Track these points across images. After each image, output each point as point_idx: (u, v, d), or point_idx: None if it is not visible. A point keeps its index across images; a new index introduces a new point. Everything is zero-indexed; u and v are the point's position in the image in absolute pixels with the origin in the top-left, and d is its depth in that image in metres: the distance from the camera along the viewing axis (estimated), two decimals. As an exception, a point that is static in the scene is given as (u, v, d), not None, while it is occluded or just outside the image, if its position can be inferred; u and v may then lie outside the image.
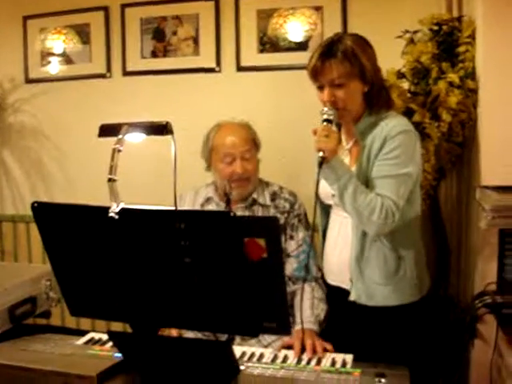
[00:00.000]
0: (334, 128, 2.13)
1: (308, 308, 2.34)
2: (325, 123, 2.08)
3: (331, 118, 2.09)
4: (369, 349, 2.00)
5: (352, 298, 2.22)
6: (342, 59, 2.09)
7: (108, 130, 1.60)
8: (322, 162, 2.02)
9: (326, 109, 2.10)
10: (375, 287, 2.19)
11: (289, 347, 2.09)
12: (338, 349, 2.04)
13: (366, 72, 2.12)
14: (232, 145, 2.50)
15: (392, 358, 1.87)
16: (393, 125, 2.11)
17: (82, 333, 2.21)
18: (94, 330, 2.26)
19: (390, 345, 2.13)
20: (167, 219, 1.49)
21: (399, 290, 2.18)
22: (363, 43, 2.17)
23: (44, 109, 3.78)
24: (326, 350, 2.04)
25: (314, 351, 2.03)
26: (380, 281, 2.18)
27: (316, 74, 2.13)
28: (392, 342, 2.15)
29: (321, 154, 2.02)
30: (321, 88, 2.15)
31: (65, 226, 1.61)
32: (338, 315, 2.35)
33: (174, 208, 1.46)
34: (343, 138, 2.27)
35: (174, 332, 2.25)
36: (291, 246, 2.50)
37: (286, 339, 2.16)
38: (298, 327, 2.19)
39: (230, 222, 1.43)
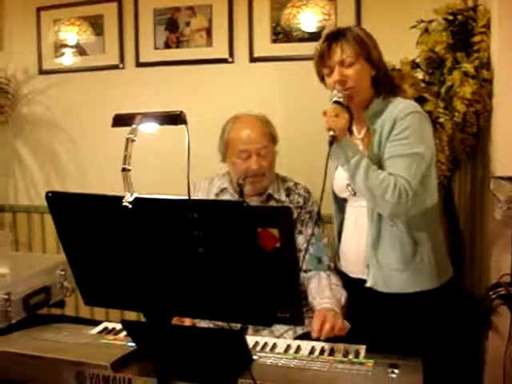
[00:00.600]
0: (345, 110, 2.11)
1: (327, 291, 2.29)
2: (334, 104, 2.08)
3: (341, 100, 2.09)
4: (383, 337, 2.01)
5: (368, 284, 2.22)
6: (351, 40, 2.13)
7: (121, 120, 1.59)
8: (332, 142, 2.02)
9: (335, 91, 2.12)
10: (392, 273, 2.17)
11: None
12: (353, 338, 2.04)
13: (372, 55, 2.15)
14: (248, 140, 2.47)
15: (406, 348, 1.86)
16: (402, 107, 2.12)
17: (96, 323, 2.22)
18: (108, 320, 2.27)
19: (405, 334, 2.13)
20: (180, 209, 1.49)
21: (416, 276, 2.17)
22: (369, 34, 2.20)
23: (57, 100, 3.79)
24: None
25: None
26: (397, 266, 2.16)
27: (323, 57, 2.16)
28: (407, 330, 2.14)
29: (331, 133, 2.01)
30: (329, 74, 2.17)
31: (79, 216, 1.62)
32: (357, 306, 2.34)
33: (187, 197, 1.46)
34: (355, 128, 2.27)
35: (187, 321, 2.26)
36: (299, 240, 2.48)
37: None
38: (319, 307, 2.18)
39: (244, 212, 1.43)
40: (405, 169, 2.04)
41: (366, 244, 2.21)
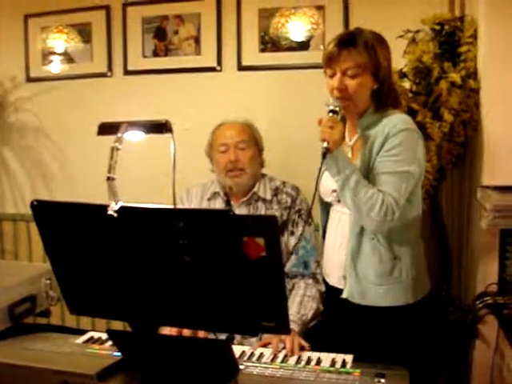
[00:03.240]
0: (339, 119, 2.10)
1: (295, 306, 2.35)
2: (330, 114, 2.07)
3: (337, 109, 2.08)
4: (365, 348, 2.00)
5: (344, 295, 2.21)
6: (361, 49, 2.07)
7: (107, 129, 1.59)
8: (325, 153, 2.02)
9: (331, 100, 2.10)
10: (369, 286, 2.16)
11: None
12: (335, 348, 2.03)
13: (380, 69, 2.11)
14: (227, 135, 2.58)
15: (390, 358, 1.86)
16: (395, 122, 2.09)
17: (82, 332, 2.21)
18: (94, 330, 2.26)
19: (386, 345, 2.11)
20: (166, 217, 1.48)
21: (393, 292, 2.15)
22: (383, 41, 2.16)
23: (45, 108, 3.77)
24: (302, 349, 2.06)
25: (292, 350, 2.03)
26: (374, 280, 2.15)
27: (331, 60, 2.11)
28: (388, 342, 2.13)
29: (325, 144, 2.01)
30: (331, 76, 2.14)
31: (64, 224, 1.61)
32: (335, 316, 2.34)
33: (172, 206, 1.45)
34: (346, 134, 2.26)
35: (173, 331, 2.25)
36: (292, 242, 2.50)
37: (265, 337, 2.16)
38: None
39: (229, 221, 1.43)
40: (394, 187, 2.03)
41: (345, 254, 2.20)
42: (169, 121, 1.55)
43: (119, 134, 1.53)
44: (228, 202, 2.57)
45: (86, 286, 1.69)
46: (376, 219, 2.01)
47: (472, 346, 2.40)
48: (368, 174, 2.10)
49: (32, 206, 1.60)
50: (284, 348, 2.06)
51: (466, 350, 2.48)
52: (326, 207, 2.38)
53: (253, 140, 2.62)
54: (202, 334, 2.23)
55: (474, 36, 2.54)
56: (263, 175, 2.67)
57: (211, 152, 2.64)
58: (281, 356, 2.00)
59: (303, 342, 2.09)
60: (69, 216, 1.59)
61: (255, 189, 2.58)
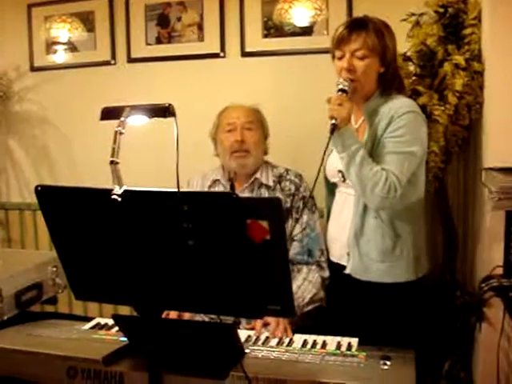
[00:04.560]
0: (348, 99, 2.14)
1: (295, 288, 2.34)
2: (339, 93, 2.12)
3: (346, 88, 2.13)
4: (369, 326, 2.03)
5: (347, 270, 2.27)
6: (370, 32, 2.15)
7: (110, 113, 1.59)
8: (333, 130, 2.05)
9: (341, 79, 2.15)
10: (371, 263, 2.22)
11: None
12: (340, 326, 2.05)
13: (387, 53, 2.18)
14: (234, 116, 2.59)
15: (394, 336, 1.87)
16: (400, 105, 2.15)
17: (89, 320, 2.23)
18: (101, 317, 2.27)
19: (390, 322, 2.16)
20: (170, 201, 1.48)
21: (394, 268, 2.22)
22: (390, 29, 2.24)
23: (49, 97, 3.77)
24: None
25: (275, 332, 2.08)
26: (376, 257, 2.21)
27: (341, 42, 2.19)
28: (391, 318, 2.18)
29: (333, 121, 2.05)
30: (340, 58, 2.20)
31: (68, 209, 1.61)
32: (339, 292, 2.39)
33: (176, 190, 1.45)
34: (352, 117, 2.27)
35: (186, 315, 2.27)
36: (296, 229, 2.50)
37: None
38: None
39: (233, 204, 1.43)
40: (397, 166, 2.08)
41: (348, 232, 2.25)
42: (172, 105, 1.55)
43: (122, 118, 1.53)
44: (232, 187, 2.55)
45: (90, 270, 1.70)
46: (379, 195, 2.06)
47: (478, 328, 2.39)
48: (373, 154, 2.14)
49: (36, 191, 1.61)
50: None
51: (472, 333, 2.47)
52: (332, 189, 2.41)
53: (260, 123, 2.62)
54: (187, 315, 2.28)
55: (478, 18, 2.52)
56: (266, 162, 2.66)
57: (217, 133, 2.64)
58: (286, 340, 2.00)
59: (288, 328, 2.11)
60: (73, 201, 1.60)
61: (257, 175, 2.58)
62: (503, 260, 2.30)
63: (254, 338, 2.02)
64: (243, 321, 2.32)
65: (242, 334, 2.00)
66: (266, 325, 2.16)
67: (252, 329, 2.16)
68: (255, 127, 2.58)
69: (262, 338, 2.03)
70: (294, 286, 2.36)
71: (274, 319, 2.11)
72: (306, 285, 2.38)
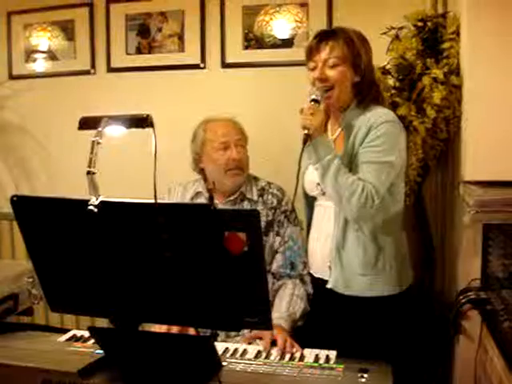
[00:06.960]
0: (321, 108, 2.14)
1: (285, 304, 2.33)
2: (312, 103, 2.11)
3: (318, 98, 2.12)
4: (350, 340, 2.01)
5: (329, 285, 2.23)
6: (340, 42, 2.15)
7: (88, 123, 1.58)
8: (306, 140, 2.05)
9: (313, 89, 2.15)
10: (353, 277, 2.19)
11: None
12: (321, 341, 2.04)
13: (360, 62, 2.16)
14: (226, 133, 2.53)
15: (375, 351, 1.86)
16: (378, 115, 2.13)
17: (66, 331, 2.20)
18: (77, 329, 2.24)
19: (371, 336, 2.13)
20: (147, 212, 1.47)
21: (377, 282, 2.18)
22: (364, 38, 2.22)
23: (28, 105, 3.74)
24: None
25: (284, 348, 2.02)
26: (358, 270, 2.18)
27: (312, 53, 2.19)
28: (372, 333, 2.15)
29: (305, 131, 2.04)
30: (312, 69, 2.19)
31: (44, 220, 1.60)
32: (320, 307, 2.35)
33: (154, 201, 1.45)
34: (329, 128, 2.28)
35: (163, 328, 2.24)
36: (277, 242, 2.48)
37: (255, 331, 2.16)
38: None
39: (211, 216, 1.42)
40: (375, 176, 2.06)
41: (330, 246, 2.22)
42: (150, 115, 1.54)
43: (100, 128, 1.52)
44: (211, 198, 2.53)
45: (66, 282, 1.68)
46: (356, 205, 2.03)
47: (455, 341, 2.40)
48: (352, 165, 2.12)
49: (12, 201, 1.59)
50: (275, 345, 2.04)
51: (450, 346, 2.48)
52: (311, 202, 2.39)
53: (245, 138, 2.60)
54: (192, 330, 2.22)
55: (457, 32, 2.55)
56: (248, 175, 2.63)
57: (203, 153, 2.56)
58: (264, 353, 1.99)
59: (294, 343, 2.07)
60: (49, 211, 1.59)
61: (243, 189, 2.56)
62: (480, 273, 2.32)
63: (232, 350, 2.01)
64: (236, 337, 2.30)
65: (220, 346, 1.99)
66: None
67: (249, 343, 2.12)
68: (244, 143, 2.57)
69: (240, 350, 2.01)
70: (285, 301, 2.34)
71: (279, 335, 2.07)
72: (295, 300, 2.35)
